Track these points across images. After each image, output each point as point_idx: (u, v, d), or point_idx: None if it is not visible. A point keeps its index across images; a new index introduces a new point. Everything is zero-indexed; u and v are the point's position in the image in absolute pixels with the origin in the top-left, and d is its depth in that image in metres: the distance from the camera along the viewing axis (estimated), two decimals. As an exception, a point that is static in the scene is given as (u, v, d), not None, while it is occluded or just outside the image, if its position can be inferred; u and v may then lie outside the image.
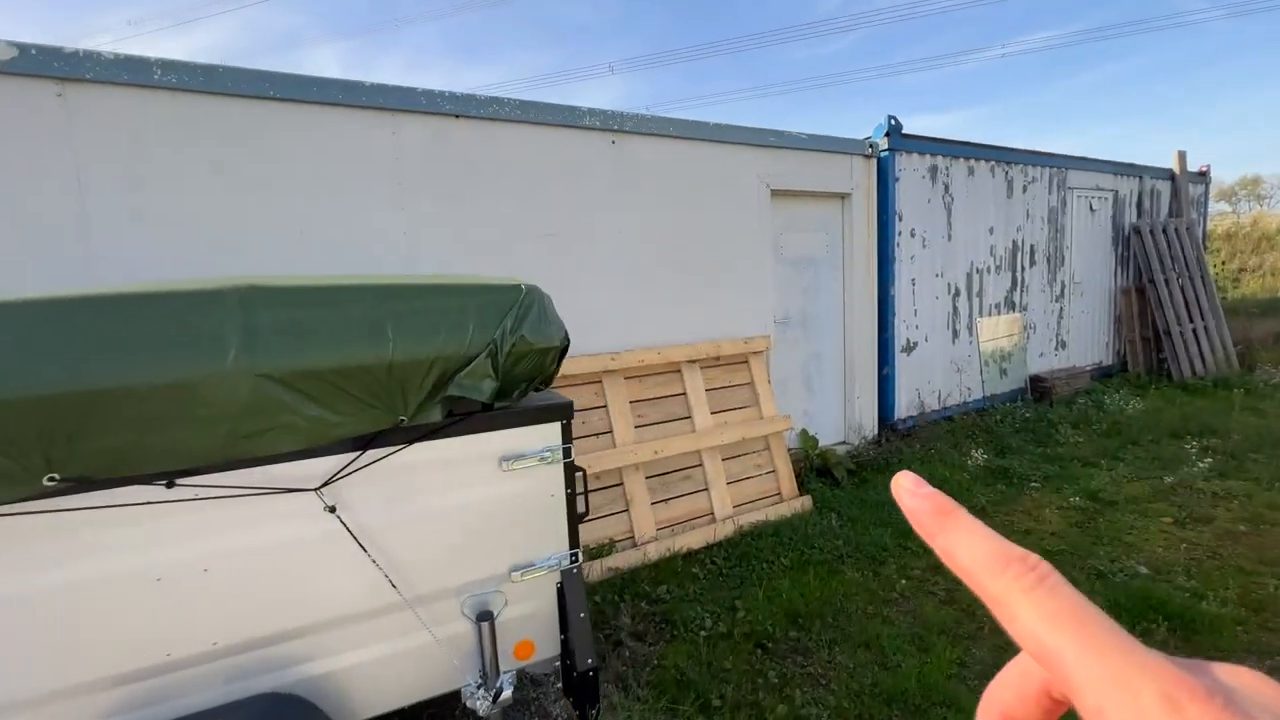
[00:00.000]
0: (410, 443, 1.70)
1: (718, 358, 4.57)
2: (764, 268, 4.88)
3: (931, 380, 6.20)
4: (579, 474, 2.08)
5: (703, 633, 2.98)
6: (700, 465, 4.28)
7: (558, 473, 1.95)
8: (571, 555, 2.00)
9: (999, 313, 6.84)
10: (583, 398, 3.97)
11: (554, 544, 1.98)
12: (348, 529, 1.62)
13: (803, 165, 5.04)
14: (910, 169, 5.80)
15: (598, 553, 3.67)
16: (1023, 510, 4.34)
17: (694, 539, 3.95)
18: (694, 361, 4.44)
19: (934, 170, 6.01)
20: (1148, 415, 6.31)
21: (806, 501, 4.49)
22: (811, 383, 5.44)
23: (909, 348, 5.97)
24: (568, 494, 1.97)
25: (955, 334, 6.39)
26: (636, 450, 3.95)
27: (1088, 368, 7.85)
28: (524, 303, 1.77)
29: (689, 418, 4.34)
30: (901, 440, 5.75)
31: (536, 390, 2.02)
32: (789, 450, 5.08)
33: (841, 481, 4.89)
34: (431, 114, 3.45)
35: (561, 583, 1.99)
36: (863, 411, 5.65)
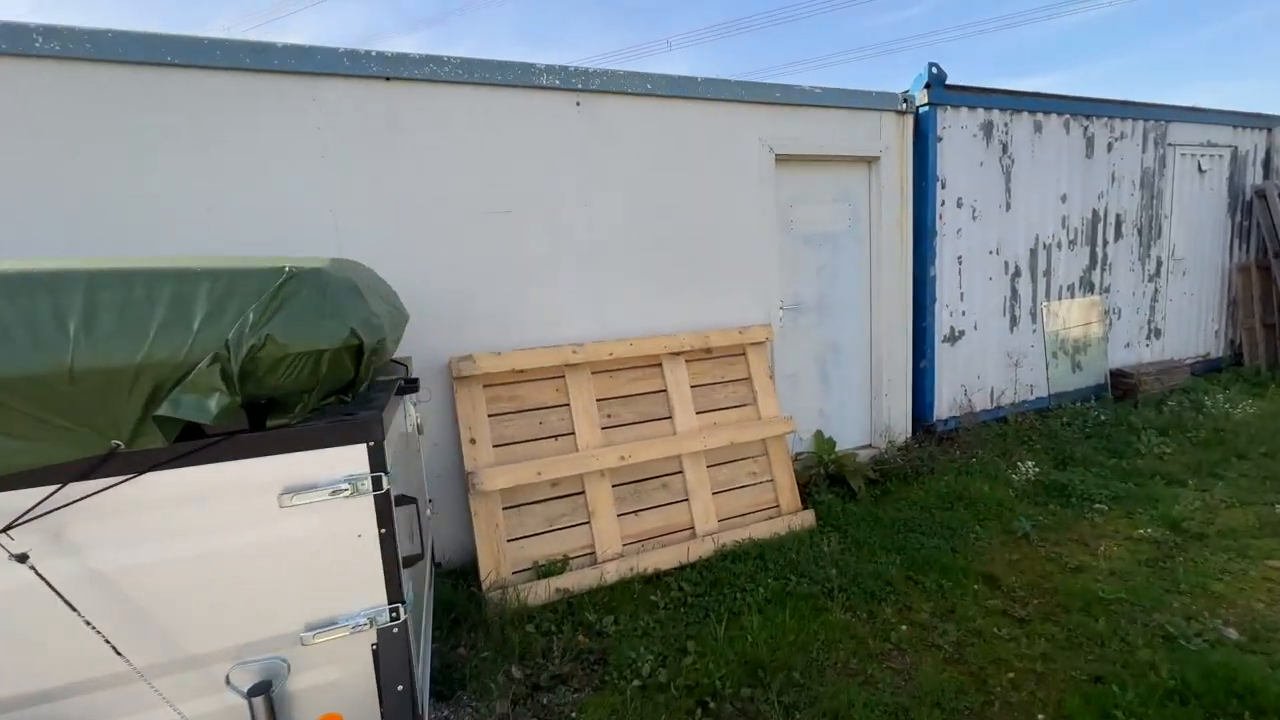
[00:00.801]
0: (139, 473, 1.32)
1: (708, 350, 4.01)
2: (767, 246, 4.24)
3: (982, 375, 5.33)
4: (409, 506, 1.65)
5: (636, 681, 2.50)
6: (680, 472, 3.76)
7: (366, 507, 1.52)
8: (391, 610, 1.57)
9: (1072, 296, 5.79)
10: (542, 395, 3.55)
11: (365, 596, 1.56)
12: (45, 581, 1.27)
13: (817, 125, 4.32)
14: (957, 126, 4.91)
15: (547, 570, 3.25)
16: (1076, 539, 3.53)
17: (665, 558, 3.46)
18: (677, 354, 3.89)
19: (989, 127, 5.08)
20: (1263, 421, 5.15)
21: (808, 517, 3.88)
22: (829, 378, 4.75)
23: (953, 337, 5.13)
24: (382, 533, 1.54)
25: (1014, 321, 5.45)
26: (600, 455, 3.49)
27: (1189, 361, 6.60)
28: (281, 293, 1.34)
29: (669, 418, 3.82)
30: (939, 445, 4.95)
31: (344, 401, 1.60)
32: (797, 456, 4.46)
33: (858, 493, 4.22)
34: (356, 77, 3.08)
35: (377, 645, 1.57)
36: (893, 411, 4.90)
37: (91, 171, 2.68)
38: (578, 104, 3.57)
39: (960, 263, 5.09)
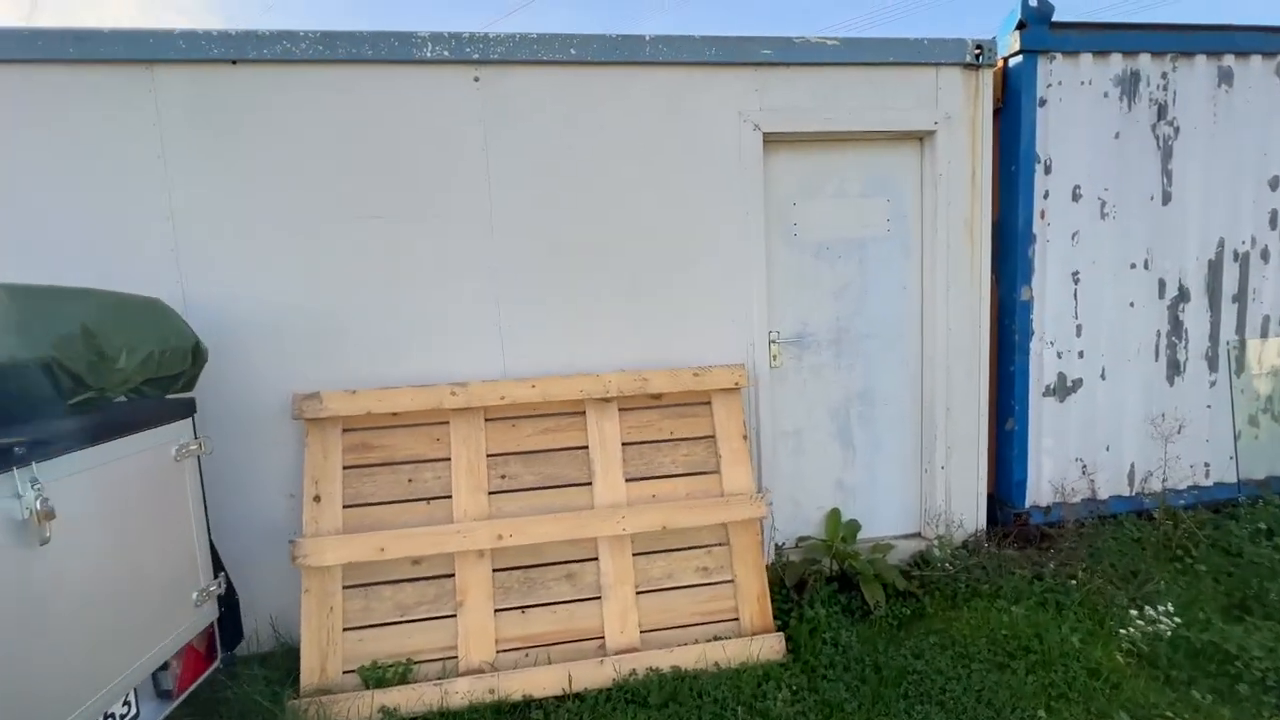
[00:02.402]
0: None
1: (656, 396, 3.01)
2: (750, 257, 3.13)
3: (1112, 446, 3.62)
4: None
5: None
6: (594, 559, 2.82)
7: None
8: None
9: (1287, 331, 3.79)
10: (416, 445, 2.83)
11: None
12: None
13: (833, 91, 3.12)
14: (1074, 83, 3.36)
15: (379, 679, 2.51)
16: (1230, 779, 1.98)
17: (544, 680, 2.54)
18: (607, 400, 2.96)
19: (1131, 81, 3.43)
20: None
21: (774, 645, 2.71)
22: (853, 438, 3.46)
23: (1062, 388, 3.53)
24: None
25: (1174, 367, 3.66)
26: (470, 531, 2.68)
27: None
28: None
29: (589, 484, 2.89)
30: (1026, 546, 3.40)
31: None
32: (800, 541, 3.29)
33: (874, 609, 2.94)
34: (196, 62, 2.62)
35: None
36: (955, 490, 3.46)
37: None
38: (476, 79, 2.82)
39: (1076, 281, 3.48)
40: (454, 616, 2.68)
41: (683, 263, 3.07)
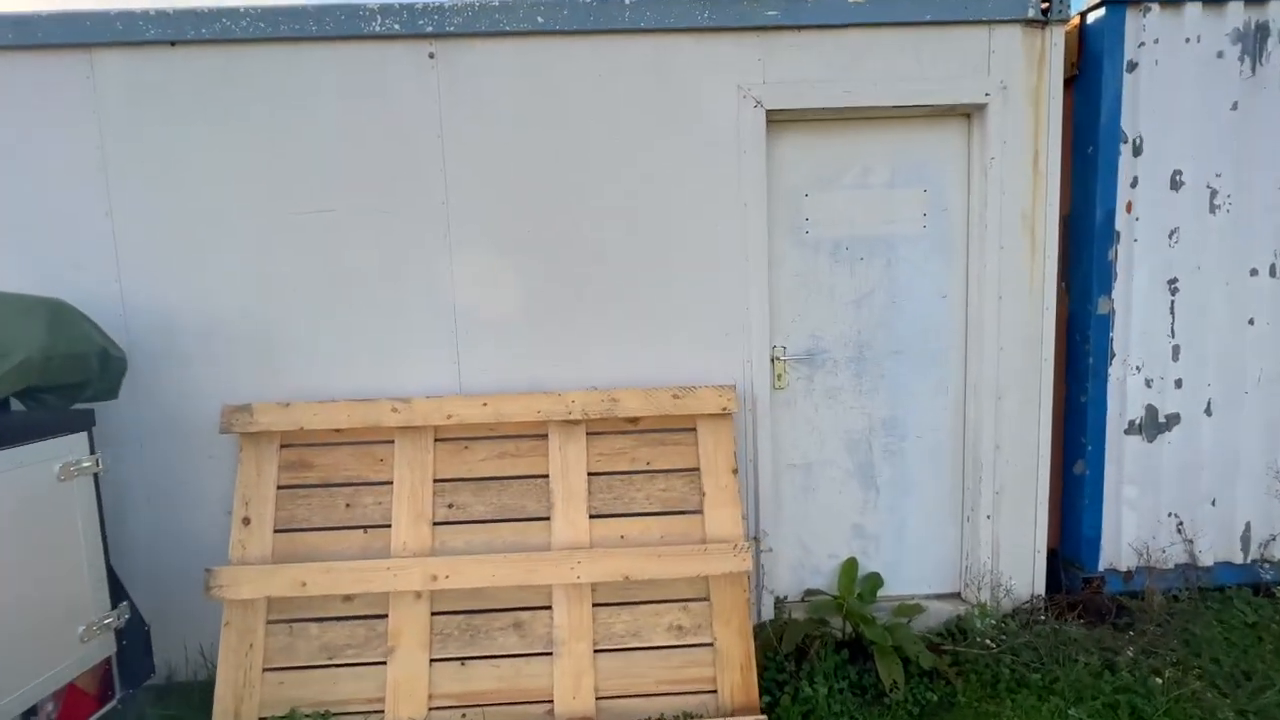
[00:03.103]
0: None
1: (633, 420, 2.59)
2: (747, 257, 2.64)
3: (1221, 499, 2.86)
4: None
5: None
6: (548, 608, 2.42)
7: None
8: None
9: None
10: (357, 466, 2.53)
11: None
12: None
13: (853, 60, 2.59)
14: (1174, 41, 2.66)
15: (290, 732, 2.21)
16: None
17: (474, 751, 2.17)
18: (573, 422, 2.55)
19: (1258, 36, 2.69)
20: None
21: (754, 730, 2.22)
22: (875, 475, 2.89)
23: (1153, 424, 2.81)
24: None
25: (1310, 402, 2.85)
26: (406, 570, 2.34)
27: None
28: None
29: (547, 519, 2.50)
30: (1096, 624, 2.71)
31: None
32: (807, 596, 2.79)
33: (889, 691, 2.38)
34: (134, 45, 2.43)
35: None
36: (1003, 545, 2.82)
37: None
38: (431, 55, 2.50)
39: (1174, 290, 2.77)
40: (384, 664, 2.36)
41: (667, 265, 2.63)
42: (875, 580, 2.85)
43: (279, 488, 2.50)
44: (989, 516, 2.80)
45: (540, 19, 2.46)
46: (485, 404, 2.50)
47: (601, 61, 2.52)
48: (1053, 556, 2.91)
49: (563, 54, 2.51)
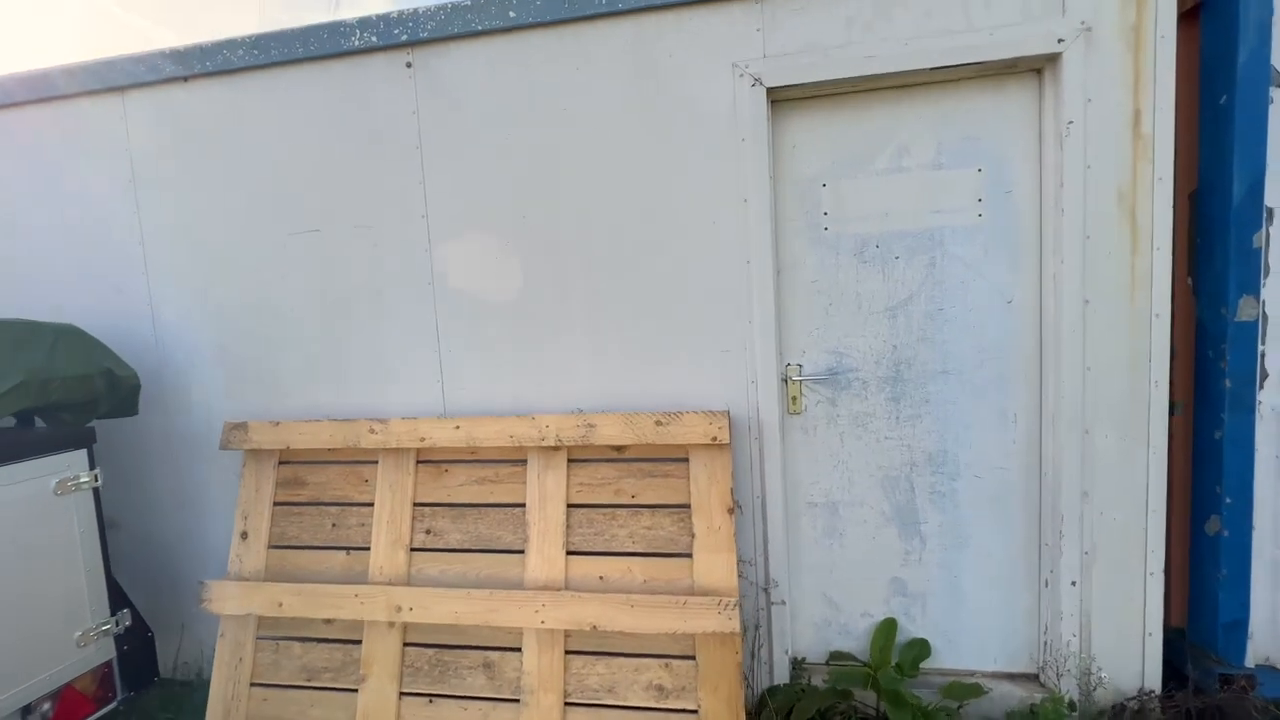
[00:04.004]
0: None
1: (619, 448, 2.32)
2: (748, 261, 2.27)
3: None
4: None
5: None
6: (518, 650, 2.23)
7: None
8: None
9: None
10: (344, 486, 2.51)
11: None
12: None
13: (875, 16, 2.12)
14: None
15: (262, 754, 2.21)
16: None
17: (426, 801, 2.03)
18: (553, 449, 2.34)
19: None
20: None
21: (731, 826, 1.86)
22: (919, 521, 2.37)
23: (1329, 473, 2.03)
24: None
25: None
26: (372, 598, 2.26)
27: None
28: None
29: (521, 551, 2.32)
30: (1236, 741, 2.00)
31: None
32: (831, 660, 2.39)
33: (920, 797, 1.91)
34: (156, 84, 2.60)
35: None
36: (1096, 619, 2.18)
37: None
38: (408, 64, 2.42)
39: (1366, 286, 1.98)
40: (355, 691, 2.30)
41: (657, 273, 2.33)
42: (920, 649, 2.34)
43: (274, 504, 2.54)
44: (1074, 582, 2.18)
45: (512, 13, 2.29)
46: (458, 427, 2.36)
47: (579, 52, 2.29)
48: (1176, 640, 2.21)
49: (538, 49, 2.31)
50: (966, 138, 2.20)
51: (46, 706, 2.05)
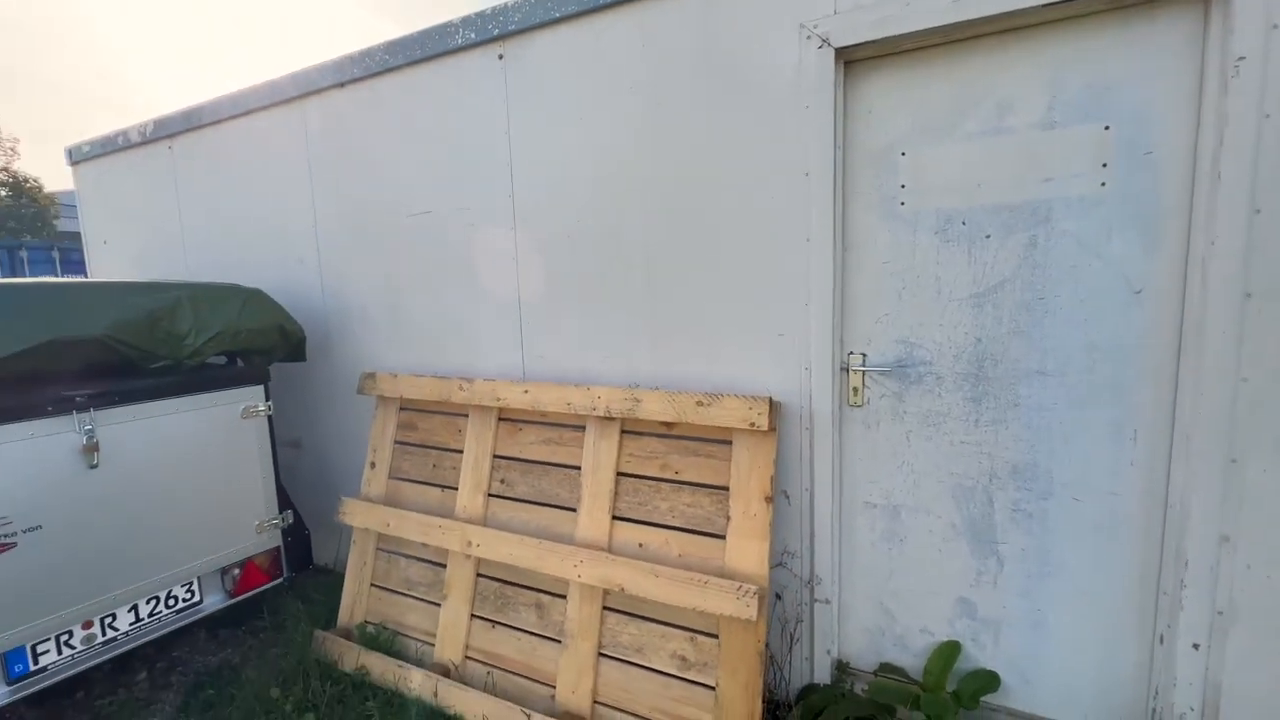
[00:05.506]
0: None
1: (669, 424, 2.39)
2: (809, 238, 2.12)
3: None
4: None
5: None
6: (563, 597, 2.46)
7: None
8: None
9: None
10: (445, 434, 2.93)
11: None
12: None
13: (977, -52, 1.79)
14: None
15: (371, 639, 2.74)
16: None
17: (478, 708, 2.37)
18: (607, 419, 2.49)
19: None
20: None
21: (727, 803, 1.89)
22: (996, 539, 2.07)
23: None
24: None
25: None
26: (450, 530, 2.65)
27: None
28: None
29: (574, 509, 2.52)
30: None
31: None
32: (880, 670, 2.29)
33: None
34: (322, 91, 3.16)
35: None
36: (1230, 695, 1.74)
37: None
38: (500, 56, 2.63)
39: None
40: (438, 606, 2.72)
41: (717, 253, 2.29)
42: (986, 681, 2.08)
43: (395, 442, 3.06)
44: (1197, 645, 1.76)
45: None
46: (526, 391, 2.60)
47: (646, 26, 2.29)
48: (1353, 746, 1.68)
49: (604, 30, 2.36)
50: (1091, 87, 1.79)
51: (236, 572, 2.77)
